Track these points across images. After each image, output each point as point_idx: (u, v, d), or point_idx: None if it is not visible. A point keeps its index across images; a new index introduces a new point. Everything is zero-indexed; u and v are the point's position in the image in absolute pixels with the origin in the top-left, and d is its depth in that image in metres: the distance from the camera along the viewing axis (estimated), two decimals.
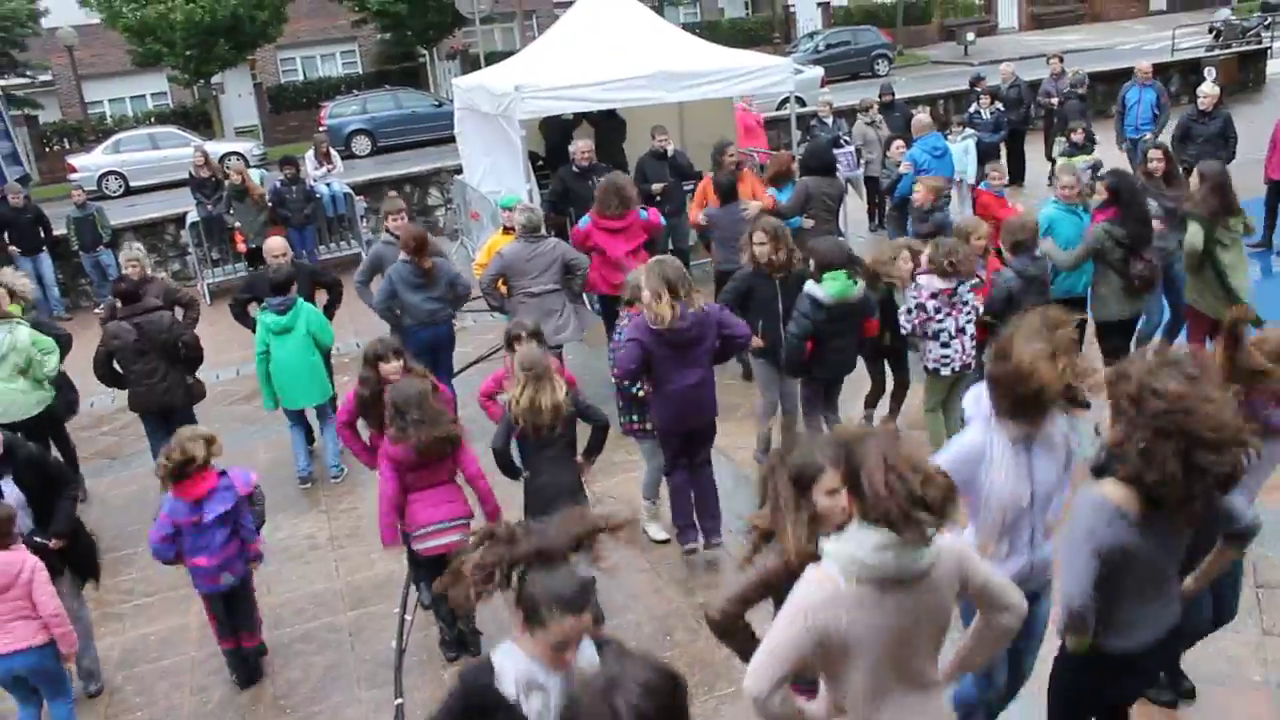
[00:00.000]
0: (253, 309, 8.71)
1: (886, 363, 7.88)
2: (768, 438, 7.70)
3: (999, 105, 14.42)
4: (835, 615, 2.96)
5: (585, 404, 6.06)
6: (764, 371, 7.45)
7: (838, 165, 12.33)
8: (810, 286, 6.75)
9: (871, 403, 8.03)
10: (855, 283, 6.72)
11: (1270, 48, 24.40)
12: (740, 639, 3.72)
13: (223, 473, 5.71)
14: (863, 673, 3.06)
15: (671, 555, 6.67)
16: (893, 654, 3.05)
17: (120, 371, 7.98)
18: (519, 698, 3.09)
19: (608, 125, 13.06)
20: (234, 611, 5.94)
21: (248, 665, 6.07)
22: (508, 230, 9.36)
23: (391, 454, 5.72)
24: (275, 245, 8.83)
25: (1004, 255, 7.16)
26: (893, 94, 14.82)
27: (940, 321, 6.78)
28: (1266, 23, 29.39)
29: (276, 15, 30.95)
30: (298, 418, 8.59)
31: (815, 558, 3.26)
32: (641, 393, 6.56)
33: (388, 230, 9.21)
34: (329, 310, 9.04)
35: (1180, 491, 3.25)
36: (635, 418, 6.76)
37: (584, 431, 6.07)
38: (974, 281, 6.90)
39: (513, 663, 3.12)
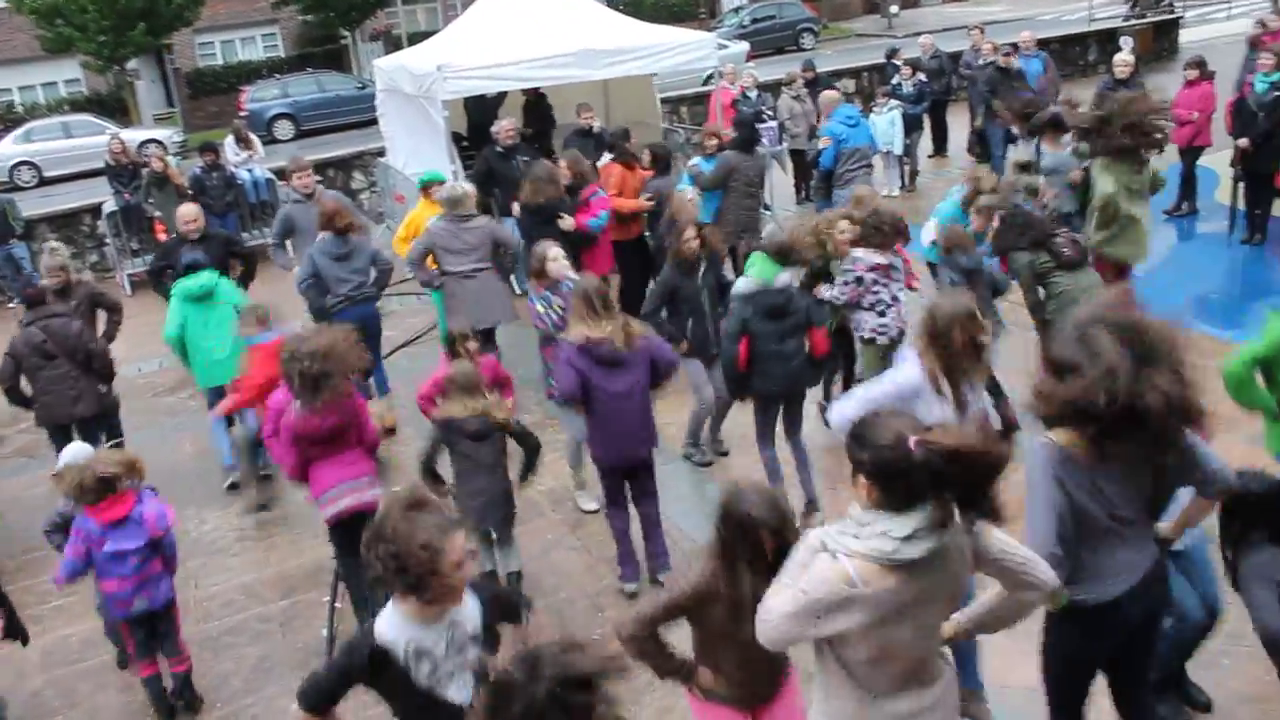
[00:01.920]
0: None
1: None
2: (698, 431, 7.71)
3: (921, 77, 14.53)
4: (849, 617, 2.94)
5: (521, 428, 6.06)
6: (694, 368, 7.29)
7: (761, 140, 12.42)
8: (736, 284, 6.64)
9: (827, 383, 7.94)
10: (778, 266, 6.42)
11: (1183, 18, 24.90)
12: (654, 658, 3.68)
13: (142, 498, 5.38)
14: (872, 651, 3.03)
15: (602, 532, 6.64)
16: (906, 638, 3.04)
17: (26, 395, 7.59)
18: (407, 664, 3.19)
19: (535, 105, 12.99)
20: (155, 633, 5.58)
21: (172, 693, 5.68)
22: (429, 200, 9.30)
23: (290, 426, 5.68)
24: (186, 212, 8.76)
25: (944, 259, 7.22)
26: (814, 69, 14.86)
27: (877, 292, 6.76)
28: None
29: None
30: (217, 401, 8.40)
31: (715, 594, 3.43)
32: None
33: (294, 189, 9.14)
34: (244, 282, 8.94)
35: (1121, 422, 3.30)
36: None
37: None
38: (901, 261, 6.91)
39: (396, 629, 3.21)
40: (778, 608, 3.04)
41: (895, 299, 6.86)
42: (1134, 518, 3.60)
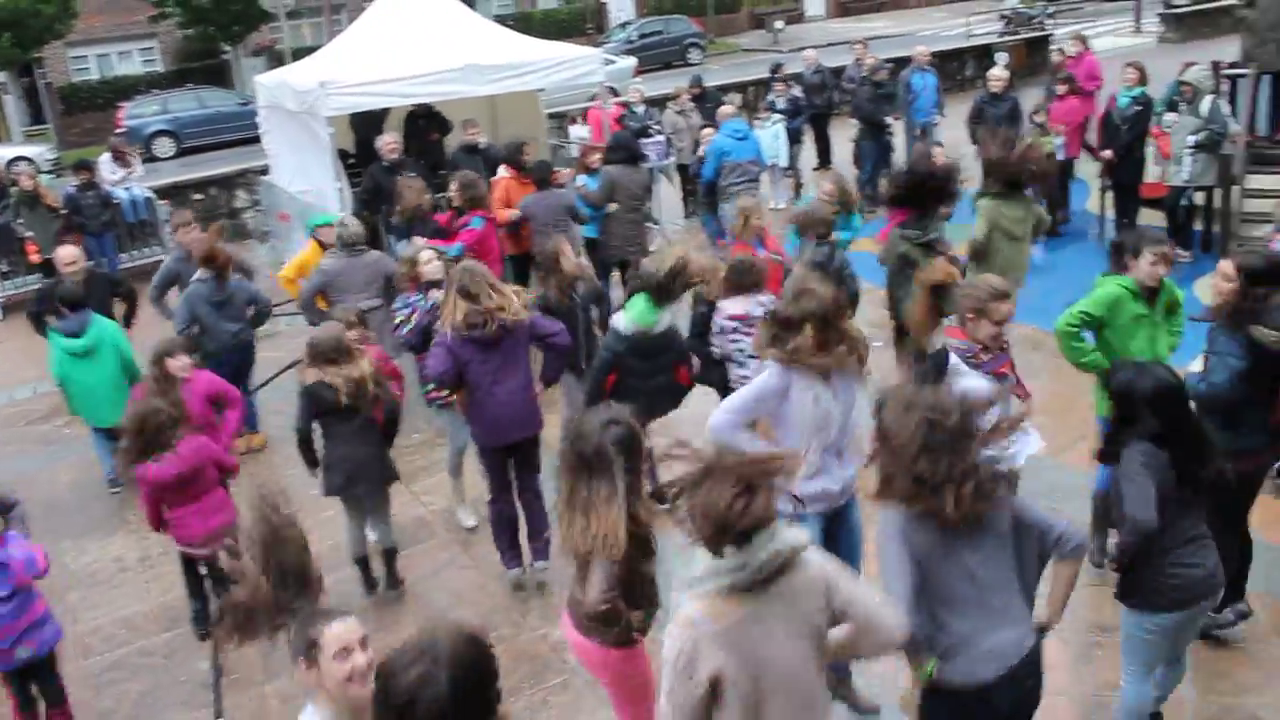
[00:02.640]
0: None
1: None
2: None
3: (794, 92, 14.80)
4: (712, 658, 2.99)
5: (391, 400, 6.16)
6: (568, 382, 7.26)
7: (647, 155, 12.52)
8: (614, 318, 6.51)
9: None
10: (657, 311, 6.25)
11: (1052, 34, 25.83)
12: (621, 619, 3.91)
13: (8, 540, 5.03)
14: (755, 705, 3.06)
15: (495, 551, 6.61)
16: (774, 684, 3.06)
17: None
18: None
19: (426, 117, 12.89)
20: (38, 679, 5.24)
21: None
22: (321, 245, 9.10)
23: (147, 478, 5.66)
24: (65, 255, 8.45)
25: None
26: (702, 85, 15.05)
27: (736, 341, 6.60)
28: (1049, 12, 31.27)
29: (65, 9, 29.24)
30: (100, 433, 8.18)
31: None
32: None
33: (179, 244, 8.91)
34: (126, 321, 8.70)
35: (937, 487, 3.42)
36: (431, 388, 6.67)
37: None
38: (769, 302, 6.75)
39: None
40: (663, 692, 3.11)
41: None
42: (999, 585, 3.56)
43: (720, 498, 2.92)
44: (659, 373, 6.44)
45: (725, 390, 7.07)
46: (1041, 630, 3.76)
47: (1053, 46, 14.18)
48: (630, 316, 6.32)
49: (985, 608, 3.52)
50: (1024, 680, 3.60)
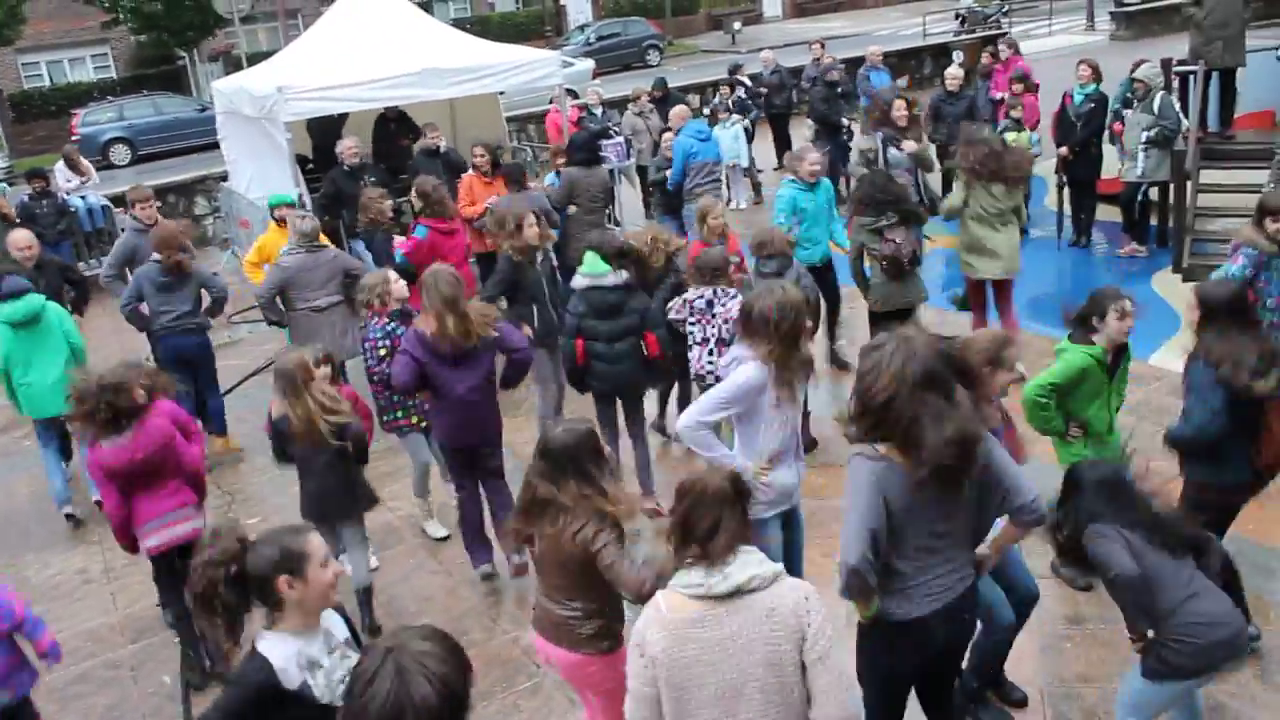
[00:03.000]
0: None
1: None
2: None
3: (740, 93, 14.88)
4: (655, 638, 3.11)
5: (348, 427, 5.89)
6: (541, 362, 7.36)
7: (607, 157, 12.57)
8: (573, 280, 6.79)
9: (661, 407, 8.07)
10: (609, 264, 6.59)
11: (1008, 33, 26.12)
12: None
13: None
14: (685, 704, 3.11)
15: (463, 555, 6.62)
16: (714, 690, 3.09)
17: None
18: (304, 680, 3.10)
19: (397, 124, 12.85)
20: None
21: None
22: (279, 224, 9.14)
23: (101, 462, 5.50)
24: (19, 239, 8.42)
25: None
26: (666, 88, 15.08)
27: (689, 326, 6.76)
28: (1004, 10, 31.63)
29: (13, 15, 28.83)
30: (49, 432, 8.00)
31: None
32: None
33: (134, 218, 8.85)
34: (77, 308, 8.64)
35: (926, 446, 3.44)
36: (399, 415, 6.77)
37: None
38: (733, 295, 6.75)
39: (280, 646, 3.12)
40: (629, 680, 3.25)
41: (705, 340, 6.75)
42: (953, 534, 3.66)
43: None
44: (621, 338, 6.65)
45: (681, 364, 7.25)
46: (977, 568, 3.89)
47: (999, 47, 14.26)
48: (582, 270, 6.66)
49: (934, 553, 3.65)
50: (959, 616, 3.78)
